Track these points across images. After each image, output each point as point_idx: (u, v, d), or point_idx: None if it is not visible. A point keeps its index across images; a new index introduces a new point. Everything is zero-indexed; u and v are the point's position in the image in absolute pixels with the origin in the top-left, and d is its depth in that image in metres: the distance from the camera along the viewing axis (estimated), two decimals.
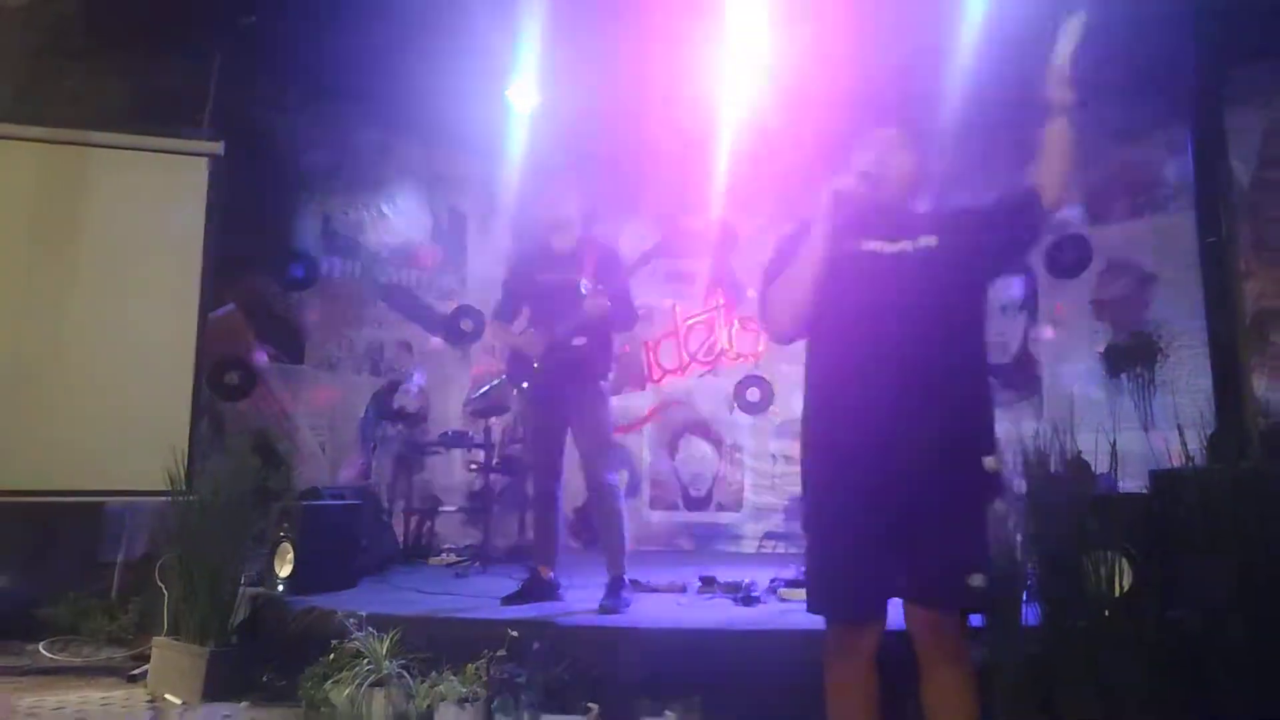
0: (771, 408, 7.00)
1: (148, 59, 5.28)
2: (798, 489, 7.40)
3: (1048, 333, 6.32)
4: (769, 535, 6.76)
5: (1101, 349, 6.01)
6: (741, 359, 7.18)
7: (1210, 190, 5.60)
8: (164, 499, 3.92)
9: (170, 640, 3.64)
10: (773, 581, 3.97)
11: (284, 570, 3.93)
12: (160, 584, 3.85)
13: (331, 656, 3.04)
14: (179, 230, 4.79)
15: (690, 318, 7.36)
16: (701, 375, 7.28)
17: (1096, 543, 2.78)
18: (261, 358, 6.01)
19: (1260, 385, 5.29)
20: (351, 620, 3.13)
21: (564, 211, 3.88)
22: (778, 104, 5.96)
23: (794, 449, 6.71)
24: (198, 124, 5.15)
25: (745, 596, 3.69)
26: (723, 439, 7.08)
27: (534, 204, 4.31)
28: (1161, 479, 3.59)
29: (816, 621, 3.19)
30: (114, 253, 4.69)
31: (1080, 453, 3.09)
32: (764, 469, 6.93)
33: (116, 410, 4.49)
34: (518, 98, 5.97)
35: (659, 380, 7.35)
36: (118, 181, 4.76)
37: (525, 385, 3.86)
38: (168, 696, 3.47)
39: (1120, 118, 6.03)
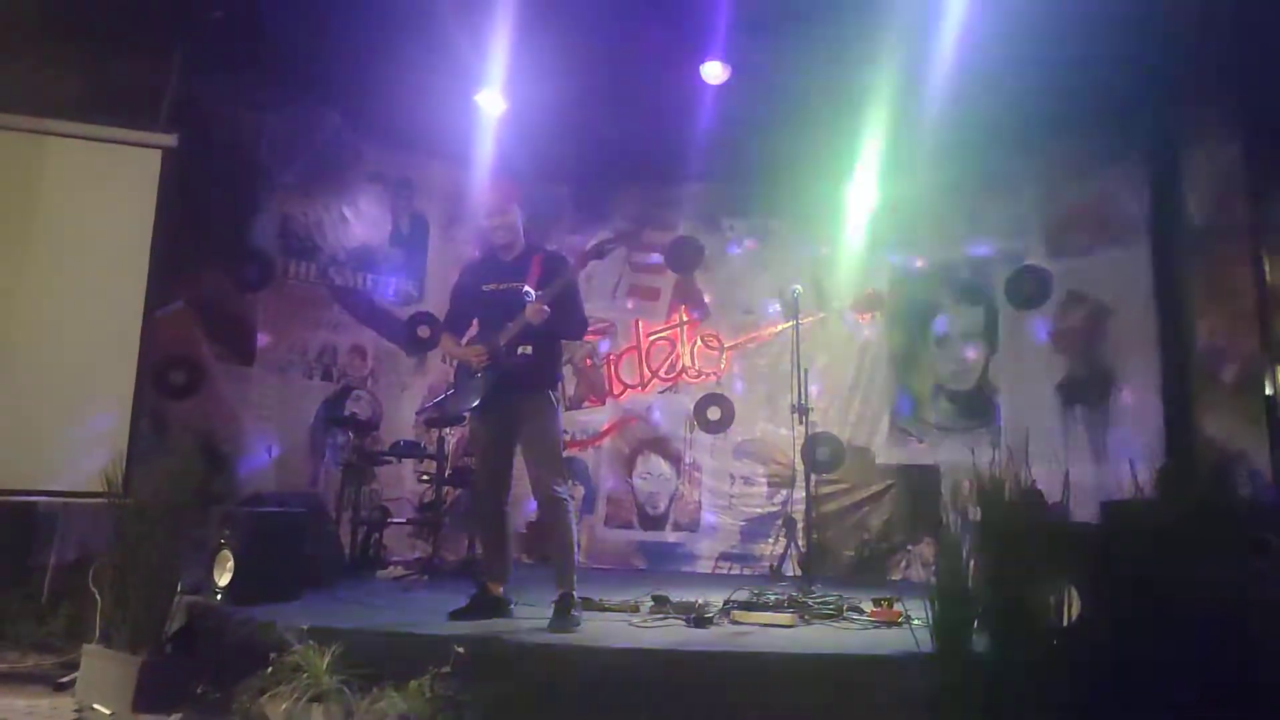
0: (731, 427, 6.99)
1: (107, 48, 5.15)
2: (754, 509, 7.38)
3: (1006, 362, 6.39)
4: (724, 556, 6.73)
5: (1058, 380, 6.10)
6: (703, 377, 7.17)
7: (1164, 228, 5.75)
8: (100, 501, 3.78)
9: (101, 648, 3.52)
10: (726, 603, 3.94)
11: (223, 579, 3.81)
12: (93, 589, 3.72)
13: (269, 670, 2.95)
14: (127, 224, 4.66)
15: (653, 333, 7.33)
16: (662, 392, 7.25)
17: (1047, 572, 2.78)
18: (209, 357, 5.86)
19: (1210, 420, 5.38)
20: (291, 633, 3.04)
21: (507, 219, 3.83)
22: (745, 118, 6.00)
23: (752, 469, 6.75)
24: (155, 116, 5.03)
25: (697, 618, 3.65)
26: (681, 457, 7.05)
27: (478, 212, 4.29)
28: (1112, 510, 3.63)
29: (768, 644, 3.18)
30: (58, 243, 4.55)
31: (1034, 482, 3.11)
32: (721, 489, 6.91)
33: (53, 407, 4.34)
34: (486, 103, 5.93)
35: (619, 395, 7.31)
36: (66, 171, 4.63)
37: (473, 406, 3.79)
38: (96, 707, 3.35)
39: (1079, 154, 6.15)
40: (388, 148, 6.89)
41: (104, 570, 3.64)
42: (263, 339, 6.16)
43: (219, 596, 3.77)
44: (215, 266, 5.94)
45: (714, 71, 5.63)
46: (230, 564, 3.83)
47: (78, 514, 4.61)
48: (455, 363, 4.00)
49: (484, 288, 3.82)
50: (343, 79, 5.90)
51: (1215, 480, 4.57)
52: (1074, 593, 2.86)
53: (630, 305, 7.37)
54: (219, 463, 5.61)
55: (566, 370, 6.88)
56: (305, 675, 2.87)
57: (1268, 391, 4.88)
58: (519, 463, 3.81)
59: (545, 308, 3.59)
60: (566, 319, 3.74)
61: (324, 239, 6.57)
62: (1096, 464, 5.76)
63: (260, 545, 3.91)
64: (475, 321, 3.92)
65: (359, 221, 6.78)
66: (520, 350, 3.66)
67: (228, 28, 5.17)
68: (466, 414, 4.19)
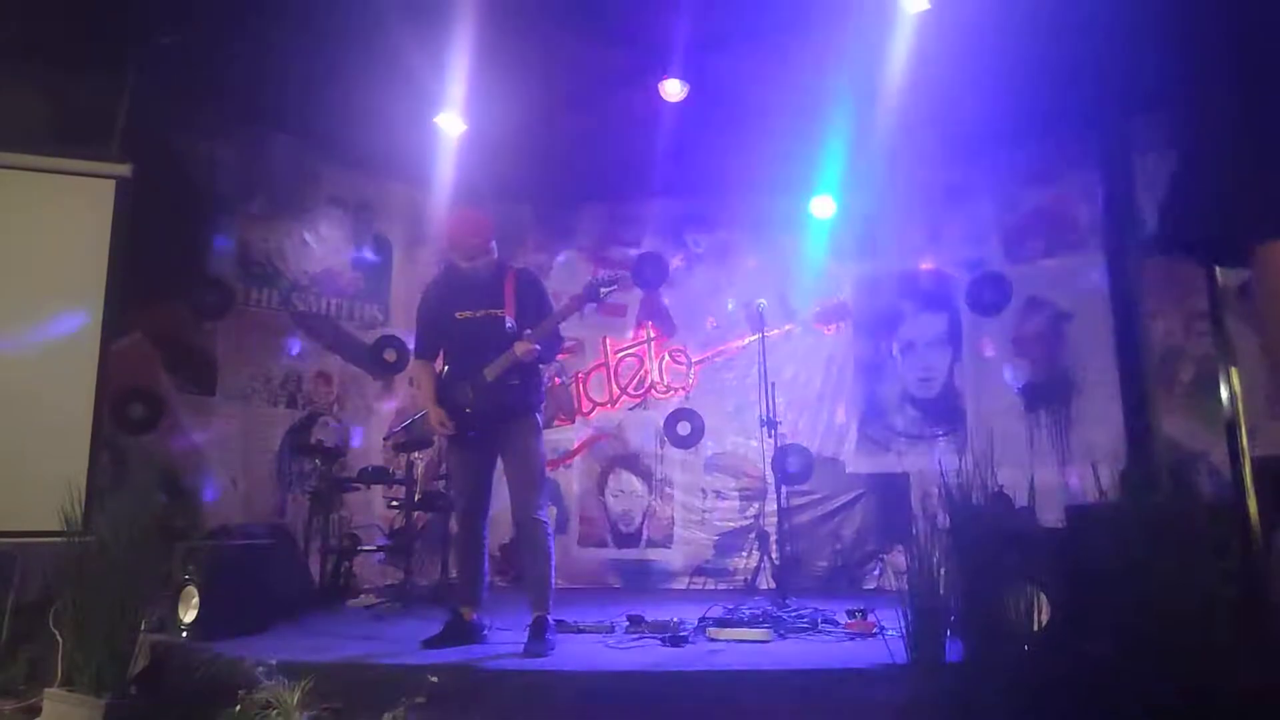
0: (702, 441, 7.00)
1: (56, 78, 5.07)
2: (727, 523, 7.39)
3: (970, 368, 6.47)
4: (699, 571, 6.73)
5: (1021, 385, 6.19)
6: (672, 392, 7.18)
7: (1118, 233, 5.86)
8: (59, 540, 3.69)
9: (64, 691, 3.42)
10: (701, 620, 3.93)
11: (188, 615, 3.73)
12: (54, 630, 3.62)
13: (238, 707, 2.89)
14: (82, 255, 4.58)
15: (620, 350, 7.34)
16: (632, 408, 7.24)
17: (1016, 577, 2.81)
18: (169, 389, 5.76)
19: (1169, 421, 5.49)
20: (260, 668, 2.99)
21: (477, 242, 3.70)
22: (705, 133, 6.04)
23: (724, 483, 6.76)
24: (107, 146, 4.95)
25: (673, 637, 3.63)
26: (653, 473, 7.04)
27: (445, 235, 4.18)
28: (1076, 514, 3.68)
29: (743, 661, 3.17)
30: (10, 277, 4.46)
31: (1001, 487, 3.15)
32: (694, 504, 6.91)
33: (9, 444, 4.23)
34: (446, 124, 5.92)
35: (589, 413, 7.29)
36: (18, 203, 4.54)
37: (457, 433, 3.73)
38: None
39: (1035, 161, 6.27)
40: (347, 171, 6.84)
41: (65, 611, 3.55)
42: (224, 368, 6.06)
43: (184, 634, 3.69)
44: (173, 296, 5.84)
45: (673, 90, 5.67)
46: (195, 600, 3.75)
47: (36, 554, 4.49)
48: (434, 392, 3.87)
49: (457, 315, 3.73)
50: (299, 103, 5.85)
51: (1175, 482, 4.65)
52: (1043, 597, 2.90)
53: (597, 322, 7.36)
54: (182, 496, 5.51)
55: None
56: (275, 712, 2.82)
57: (1223, 392, 4.99)
58: (497, 484, 3.78)
59: (536, 346, 3.56)
60: (549, 347, 3.72)
61: (284, 264, 6.50)
62: (1061, 466, 5.85)
63: (225, 579, 3.84)
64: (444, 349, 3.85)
65: (320, 246, 6.71)
66: (511, 382, 3.61)
67: (179, 54, 5.11)
68: (436, 438, 4.12)
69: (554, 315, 3.67)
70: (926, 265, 6.69)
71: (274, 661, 3.02)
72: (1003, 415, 6.16)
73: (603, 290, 3.65)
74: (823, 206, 6.63)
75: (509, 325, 3.62)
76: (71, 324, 4.53)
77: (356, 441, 6.63)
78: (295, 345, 6.50)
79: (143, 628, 3.59)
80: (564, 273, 7.21)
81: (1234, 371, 2.21)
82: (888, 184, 6.48)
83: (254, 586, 4.02)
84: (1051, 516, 4.04)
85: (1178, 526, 2.80)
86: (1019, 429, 6.08)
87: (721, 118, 5.92)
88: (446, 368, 3.80)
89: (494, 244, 3.77)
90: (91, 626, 3.38)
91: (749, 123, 5.92)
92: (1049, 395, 6.08)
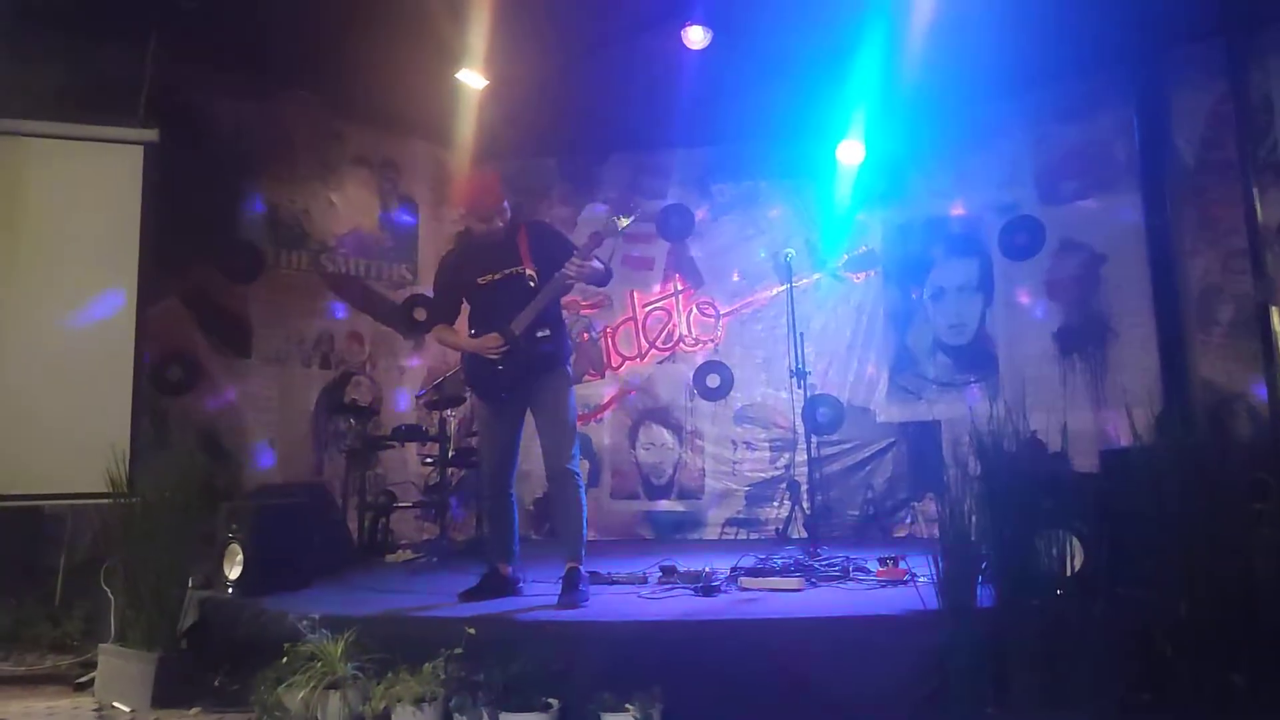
0: (731, 393, 7.00)
1: (80, 43, 5.09)
2: (758, 474, 7.39)
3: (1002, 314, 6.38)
4: (730, 522, 6.77)
5: (1055, 329, 6.10)
6: (700, 345, 7.17)
7: (1155, 171, 5.71)
8: (106, 501, 3.80)
9: (117, 646, 3.56)
10: (733, 570, 3.97)
11: (233, 572, 3.83)
12: (105, 589, 3.75)
13: (284, 659, 2.97)
14: (113, 222, 4.63)
15: (648, 303, 7.31)
16: (661, 362, 7.25)
17: (1049, 523, 2.80)
18: (205, 352, 5.86)
19: (1207, 363, 5.39)
20: (304, 622, 3.06)
21: (491, 202, 3.68)
22: (730, 80, 5.93)
23: (754, 434, 6.77)
24: (134, 112, 4.98)
25: (705, 586, 3.67)
26: (683, 426, 7.06)
27: (459, 201, 4.16)
28: (1111, 458, 3.65)
29: (776, 610, 3.21)
30: (45, 246, 4.53)
31: (1034, 432, 3.13)
32: (724, 455, 6.93)
33: (52, 410, 4.35)
34: (468, 79, 5.87)
35: (618, 368, 7.31)
36: (47, 172, 4.59)
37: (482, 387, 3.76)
38: (116, 704, 3.39)
39: (1068, 99, 6.10)
40: (371, 130, 6.84)
41: (115, 570, 3.67)
42: (258, 330, 6.14)
43: (230, 590, 3.80)
44: (205, 260, 5.91)
45: (696, 36, 5.56)
46: (239, 557, 3.85)
47: (85, 515, 4.64)
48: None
49: (479, 280, 3.71)
50: (321, 62, 5.82)
51: (1213, 423, 4.58)
52: (1075, 543, 2.88)
53: (625, 276, 7.32)
54: (222, 456, 5.63)
55: None
56: (320, 664, 2.90)
57: (1265, 331, 4.88)
58: (527, 440, 3.82)
59: (592, 262, 3.59)
60: (596, 272, 3.69)
61: (313, 226, 6.54)
62: (1096, 411, 5.78)
63: (268, 537, 3.92)
64: (469, 312, 3.83)
65: (346, 206, 6.74)
66: (539, 334, 3.62)
67: (202, 16, 5.09)
68: (468, 395, 4.12)
69: (563, 239, 3.78)
70: (957, 210, 6.57)
71: (317, 616, 3.10)
72: (1036, 361, 6.08)
73: (621, 221, 3.63)
74: (850, 152, 6.50)
75: (530, 280, 3.62)
76: (108, 290, 4.61)
77: (389, 400, 6.72)
78: (339, 309, 6.58)
79: (190, 585, 3.71)
80: (590, 226, 7.17)
81: (1274, 310, 2.16)
82: (917, 127, 6.35)
83: (296, 543, 4.11)
84: (1086, 462, 4.02)
85: (1214, 469, 2.77)
86: (1052, 374, 6.00)
87: (745, 64, 5.80)
88: (472, 332, 3.79)
89: (507, 204, 3.74)
90: (141, 584, 3.50)
91: (773, 68, 5.80)
92: (1083, 339, 5.98)
